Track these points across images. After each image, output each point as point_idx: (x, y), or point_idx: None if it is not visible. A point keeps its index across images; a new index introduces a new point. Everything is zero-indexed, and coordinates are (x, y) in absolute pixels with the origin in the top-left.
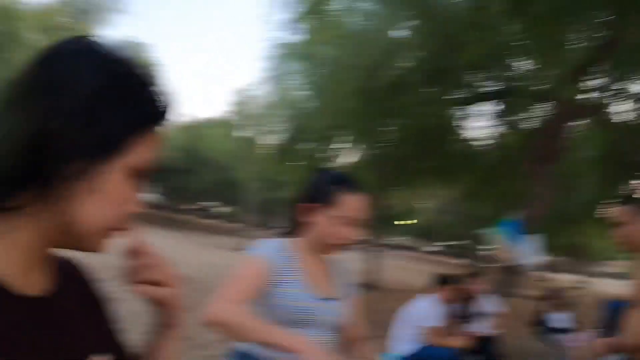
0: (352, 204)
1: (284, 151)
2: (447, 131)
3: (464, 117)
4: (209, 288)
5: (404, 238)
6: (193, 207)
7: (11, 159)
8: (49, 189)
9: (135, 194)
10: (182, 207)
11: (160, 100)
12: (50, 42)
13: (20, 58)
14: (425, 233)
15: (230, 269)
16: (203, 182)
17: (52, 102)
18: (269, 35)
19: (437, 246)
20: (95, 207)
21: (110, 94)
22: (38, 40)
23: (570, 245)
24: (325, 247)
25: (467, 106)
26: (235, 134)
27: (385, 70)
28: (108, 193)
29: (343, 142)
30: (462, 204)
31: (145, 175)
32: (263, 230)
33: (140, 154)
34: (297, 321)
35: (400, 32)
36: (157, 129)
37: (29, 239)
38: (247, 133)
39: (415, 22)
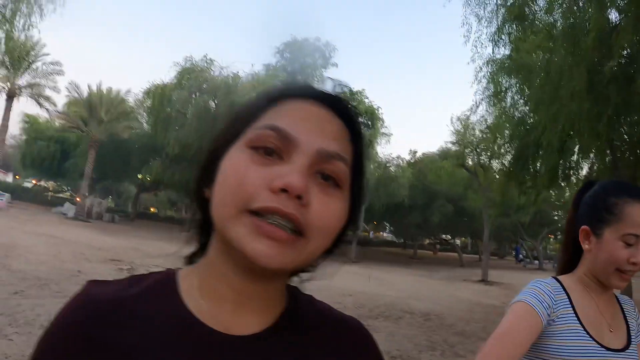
0: None
1: (513, 173)
2: None
3: None
4: (459, 324)
5: None
6: (428, 241)
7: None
8: None
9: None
10: (417, 242)
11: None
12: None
13: None
14: None
15: (475, 307)
16: (436, 216)
17: None
18: (474, 55)
19: None
20: None
21: None
22: None
23: None
24: (609, 277)
25: None
26: (460, 162)
27: (607, 62)
28: None
29: (578, 151)
30: None
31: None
32: (500, 259)
33: None
34: None
35: (614, 17)
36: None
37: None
38: (472, 160)
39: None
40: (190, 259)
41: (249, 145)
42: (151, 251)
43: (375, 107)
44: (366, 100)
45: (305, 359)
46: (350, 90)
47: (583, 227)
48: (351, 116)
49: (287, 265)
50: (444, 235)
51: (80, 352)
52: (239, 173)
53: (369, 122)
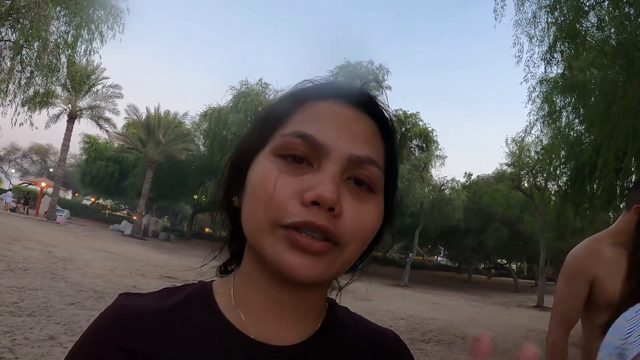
0: None
1: (569, 194)
2: None
3: None
4: (512, 350)
5: None
6: (483, 266)
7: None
8: None
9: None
10: (472, 266)
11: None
12: None
13: None
14: None
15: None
16: (491, 239)
17: None
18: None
19: None
20: None
21: None
22: None
23: None
24: None
25: None
26: (516, 184)
27: None
28: None
29: (635, 170)
30: None
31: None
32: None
33: None
34: None
35: None
36: None
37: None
38: (527, 182)
39: None
40: (224, 269)
41: (277, 154)
42: (205, 270)
43: (429, 128)
44: (420, 123)
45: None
46: (405, 113)
47: None
48: (382, 114)
49: (323, 277)
50: (499, 260)
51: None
52: (269, 185)
53: (424, 145)
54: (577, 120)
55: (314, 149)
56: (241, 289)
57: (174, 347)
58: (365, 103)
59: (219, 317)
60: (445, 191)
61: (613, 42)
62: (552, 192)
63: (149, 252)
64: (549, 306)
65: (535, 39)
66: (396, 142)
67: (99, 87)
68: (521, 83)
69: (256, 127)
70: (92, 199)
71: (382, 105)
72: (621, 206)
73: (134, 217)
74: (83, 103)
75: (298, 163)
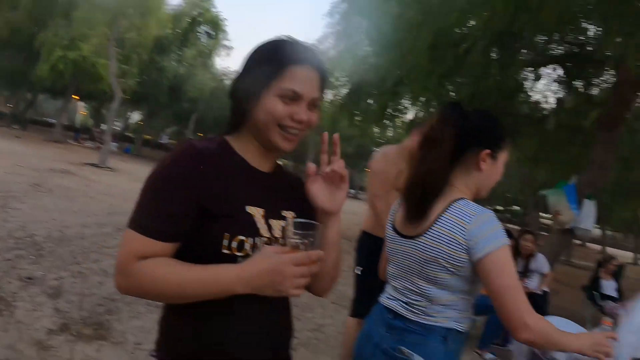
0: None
1: (346, 105)
2: (513, 93)
3: (531, 80)
4: None
5: None
6: None
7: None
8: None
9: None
10: None
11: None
12: None
13: None
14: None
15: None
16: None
17: None
18: None
19: (490, 209)
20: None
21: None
22: None
23: (632, 220)
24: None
25: (535, 69)
26: None
27: (453, 29)
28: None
29: (408, 99)
30: (522, 168)
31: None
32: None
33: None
34: None
35: None
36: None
37: (254, 141)
38: None
39: None
40: (228, 131)
41: (277, 94)
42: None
43: (220, 17)
44: (213, 10)
45: (290, 184)
46: None
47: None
48: (324, 69)
49: (294, 148)
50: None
51: (196, 173)
52: (277, 108)
53: (213, 33)
54: (368, 43)
55: (297, 96)
56: (247, 145)
57: (224, 168)
58: (319, 66)
59: (240, 157)
60: (226, 82)
61: None
62: (332, 102)
63: None
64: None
65: None
66: (327, 81)
67: None
68: None
69: (258, 74)
70: None
71: (326, 69)
72: (387, 122)
73: None
74: None
75: (289, 100)
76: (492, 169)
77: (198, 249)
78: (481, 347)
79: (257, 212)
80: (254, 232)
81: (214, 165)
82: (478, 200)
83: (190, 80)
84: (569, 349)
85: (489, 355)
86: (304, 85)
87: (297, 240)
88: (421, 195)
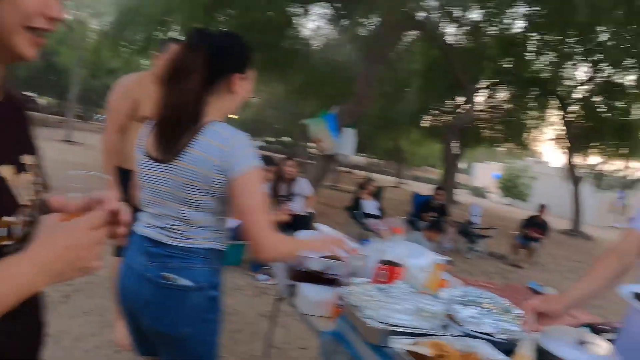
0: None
1: (111, 36)
2: (282, 27)
3: (299, 15)
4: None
5: None
6: None
7: None
8: None
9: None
10: None
11: None
12: None
13: None
14: (250, 128)
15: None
16: (19, 70)
17: None
18: None
19: (262, 141)
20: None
21: None
22: None
23: (393, 149)
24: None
25: (304, 5)
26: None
27: None
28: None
29: (174, 29)
30: (290, 101)
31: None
32: (85, 122)
33: None
34: None
35: None
36: None
37: None
38: (72, 15)
39: None
40: None
41: None
42: None
43: None
44: None
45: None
46: None
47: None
48: None
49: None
50: (29, 93)
51: None
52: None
53: None
54: None
55: None
56: None
57: None
58: None
59: None
60: None
61: None
62: (96, 31)
63: None
64: (78, 141)
65: None
66: None
67: None
68: None
69: None
70: None
71: None
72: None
73: None
74: None
75: None
76: (242, 89)
77: None
78: (254, 270)
79: (8, 173)
80: (16, 204)
81: None
82: (245, 128)
83: None
84: (308, 250)
85: (262, 276)
86: None
87: (81, 197)
88: (175, 125)
